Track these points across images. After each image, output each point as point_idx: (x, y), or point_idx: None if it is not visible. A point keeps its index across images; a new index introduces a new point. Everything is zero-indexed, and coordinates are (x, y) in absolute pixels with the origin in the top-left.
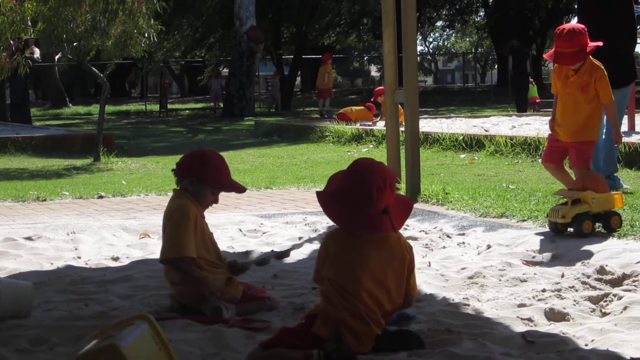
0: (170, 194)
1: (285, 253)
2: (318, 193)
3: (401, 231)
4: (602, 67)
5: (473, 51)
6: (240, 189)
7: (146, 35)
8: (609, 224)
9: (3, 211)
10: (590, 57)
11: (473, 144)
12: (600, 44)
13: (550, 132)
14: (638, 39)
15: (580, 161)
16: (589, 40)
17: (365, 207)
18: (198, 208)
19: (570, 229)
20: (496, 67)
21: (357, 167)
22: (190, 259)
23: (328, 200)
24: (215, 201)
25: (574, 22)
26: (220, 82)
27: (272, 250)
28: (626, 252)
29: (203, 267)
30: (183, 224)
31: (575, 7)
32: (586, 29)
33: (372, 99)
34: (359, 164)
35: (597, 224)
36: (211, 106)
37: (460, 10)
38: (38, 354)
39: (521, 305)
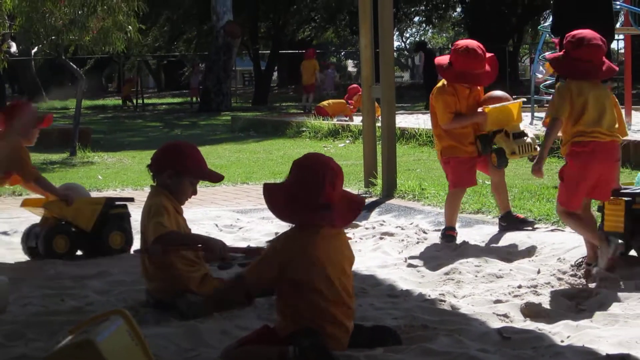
0: (147, 189)
1: None
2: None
3: (378, 226)
4: None
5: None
6: (216, 177)
7: (126, 31)
8: None
9: None
10: None
11: None
12: None
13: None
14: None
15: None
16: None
17: (301, 201)
18: (175, 204)
19: None
20: None
21: (304, 161)
22: (173, 231)
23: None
24: (194, 192)
25: (549, 19)
26: (198, 76)
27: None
28: None
29: (178, 264)
30: (160, 213)
31: (551, 2)
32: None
33: (345, 98)
34: (308, 157)
35: None
36: (188, 101)
37: (437, 6)
38: (13, 348)
39: (497, 302)
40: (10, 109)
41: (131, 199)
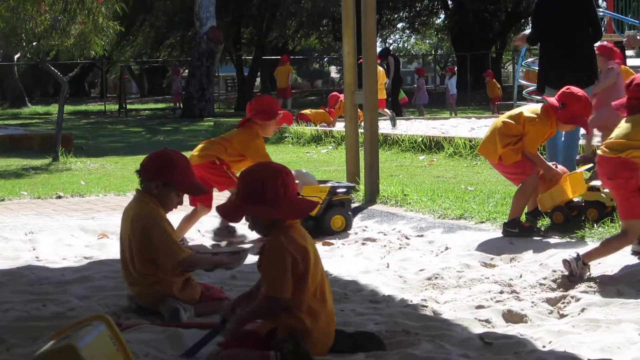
0: (129, 194)
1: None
2: None
3: (360, 232)
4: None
5: (433, 53)
6: (203, 189)
7: (106, 34)
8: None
9: None
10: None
11: (432, 145)
12: None
13: None
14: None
15: None
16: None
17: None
18: (161, 211)
19: None
20: (456, 69)
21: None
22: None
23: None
24: (180, 202)
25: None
26: (180, 81)
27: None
28: None
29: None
30: (166, 229)
31: (531, 15)
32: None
33: (327, 108)
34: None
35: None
36: (171, 106)
37: (420, 12)
38: None
39: (479, 307)
40: (256, 101)
41: (352, 186)
